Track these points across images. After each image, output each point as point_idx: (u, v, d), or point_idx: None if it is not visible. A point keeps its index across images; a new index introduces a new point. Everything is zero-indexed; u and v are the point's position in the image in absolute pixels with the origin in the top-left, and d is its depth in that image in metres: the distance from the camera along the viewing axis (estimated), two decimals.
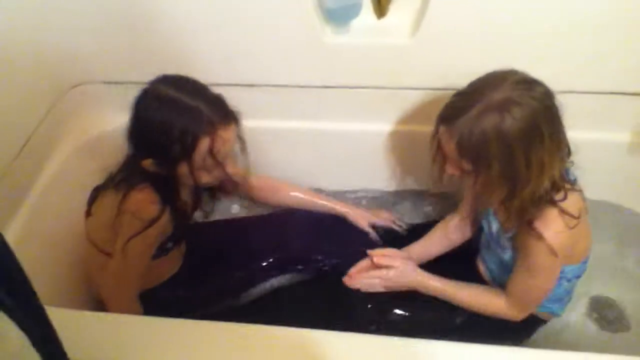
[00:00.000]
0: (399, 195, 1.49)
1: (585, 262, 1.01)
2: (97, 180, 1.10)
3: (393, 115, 1.29)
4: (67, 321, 0.82)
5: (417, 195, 1.48)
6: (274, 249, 1.27)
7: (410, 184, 1.47)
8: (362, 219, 1.28)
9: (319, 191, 1.42)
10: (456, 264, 1.17)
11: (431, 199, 1.46)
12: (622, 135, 1.26)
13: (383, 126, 1.32)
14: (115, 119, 1.32)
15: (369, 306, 1.12)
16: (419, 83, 1.19)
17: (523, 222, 0.88)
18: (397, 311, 1.11)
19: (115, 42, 1.20)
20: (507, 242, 0.98)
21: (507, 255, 1.00)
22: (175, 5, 1.11)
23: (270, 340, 0.82)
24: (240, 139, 1.01)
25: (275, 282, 1.28)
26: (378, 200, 1.50)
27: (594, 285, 1.26)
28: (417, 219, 1.43)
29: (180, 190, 1.03)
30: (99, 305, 1.17)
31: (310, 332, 0.81)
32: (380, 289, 1.11)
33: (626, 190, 1.36)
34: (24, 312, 0.42)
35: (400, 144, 1.34)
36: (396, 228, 1.30)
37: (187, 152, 0.92)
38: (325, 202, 1.30)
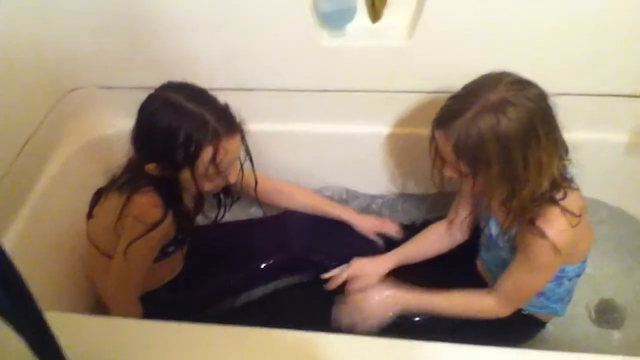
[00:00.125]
0: (399, 197, 1.50)
1: (584, 262, 1.01)
2: (97, 182, 1.10)
3: (390, 117, 1.30)
4: (67, 325, 0.83)
5: (417, 197, 1.48)
6: (274, 250, 1.27)
7: (410, 186, 1.47)
8: (367, 228, 1.28)
9: (318, 193, 1.42)
10: (455, 264, 1.17)
11: (432, 199, 1.46)
12: (619, 136, 1.26)
13: (381, 129, 1.32)
14: (114, 123, 1.33)
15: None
16: (416, 86, 1.20)
17: (524, 221, 0.88)
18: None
19: (114, 46, 1.20)
20: (506, 242, 0.98)
21: (508, 255, 1.00)
22: (174, 10, 1.11)
23: (270, 342, 0.82)
24: (247, 150, 1.02)
25: (275, 283, 1.29)
26: (378, 203, 1.50)
27: (593, 286, 1.27)
28: (418, 220, 1.43)
29: (183, 195, 1.04)
30: (100, 306, 1.17)
31: (310, 335, 0.81)
32: (365, 326, 1.08)
33: (625, 191, 1.37)
34: (22, 317, 0.42)
35: (399, 147, 1.35)
36: (396, 237, 1.29)
37: (190, 159, 0.92)
38: (330, 209, 1.30)
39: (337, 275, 1.15)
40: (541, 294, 1.03)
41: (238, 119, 0.98)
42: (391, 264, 1.15)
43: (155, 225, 0.97)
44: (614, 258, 1.32)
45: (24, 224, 1.11)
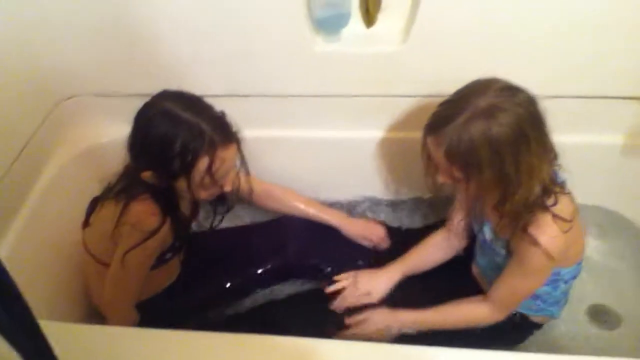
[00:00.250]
0: (394, 201, 1.50)
1: (579, 263, 1.02)
2: (93, 190, 1.10)
3: (386, 122, 1.30)
4: (62, 335, 0.82)
5: (413, 201, 1.48)
6: (270, 255, 1.27)
7: (405, 190, 1.47)
8: (354, 233, 1.28)
9: (314, 198, 1.42)
10: (450, 269, 1.17)
11: (427, 204, 1.47)
12: (615, 137, 1.27)
13: (376, 133, 1.32)
14: (109, 131, 1.32)
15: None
16: (411, 90, 1.20)
17: (517, 229, 0.89)
18: None
19: (109, 54, 1.20)
20: (501, 247, 0.99)
21: (502, 260, 1.01)
22: (168, 18, 1.11)
23: (269, 349, 0.81)
24: (242, 160, 1.02)
25: (272, 289, 1.29)
26: (373, 207, 1.50)
27: (588, 288, 1.27)
28: (413, 224, 1.44)
29: (179, 202, 1.04)
30: (96, 315, 1.17)
31: (308, 341, 0.81)
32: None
33: (620, 194, 1.37)
34: (17, 327, 0.41)
35: (394, 151, 1.35)
36: (380, 249, 1.29)
37: (186, 169, 0.92)
38: (320, 214, 1.30)
39: (341, 291, 1.15)
40: (537, 297, 1.03)
41: (234, 128, 0.98)
42: (397, 277, 1.16)
43: (152, 233, 0.97)
44: (609, 261, 1.33)
45: (20, 232, 1.10)
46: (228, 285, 1.23)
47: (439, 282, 1.16)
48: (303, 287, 1.29)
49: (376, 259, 1.27)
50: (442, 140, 0.85)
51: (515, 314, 1.06)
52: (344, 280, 1.18)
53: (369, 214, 1.48)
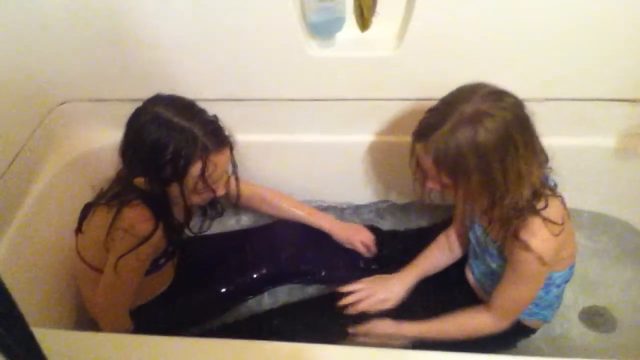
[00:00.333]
0: (388, 205, 1.50)
1: (572, 267, 1.02)
2: (86, 197, 1.09)
3: (379, 126, 1.30)
4: (56, 342, 0.81)
5: (406, 205, 1.49)
6: (265, 260, 1.27)
7: (399, 194, 1.48)
8: (342, 238, 1.27)
9: (308, 202, 1.42)
10: (445, 271, 1.17)
11: (419, 208, 1.46)
12: (608, 140, 1.27)
13: (370, 138, 1.33)
14: (102, 136, 1.32)
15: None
16: (405, 94, 1.20)
17: (509, 233, 0.89)
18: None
19: (101, 60, 1.20)
20: (496, 251, 0.99)
21: (495, 264, 1.01)
22: (162, 22, 1.11)
23: (267, 355, 0.81)
24: (233, 164, 1.02)
25: (269, 293, 1.29)
26: (366, 211, 1.50)
27: (583, 292, 1.27)
28: (405, 227, 1.44)
29: (172, 208, 1.03)
30: (90, 322, 1.16)
31: (306, 346, 0.80)
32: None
33: (614, 197, 1.38)
34: (10, 335, 0.41)
35: (387, 155, 1.35)
36: (366, 255, 1.28)
37: (179, 174, 0.92)
38: (311, 217, 1.30)
39: (354, 298, 1.14)
40: None
41: (227, 132, 0.97)
42: (410, 283, 1.14)
43: (146, 239, 0.97)
44: (604, 264, 1.33)
45: (13, 239, 1.10)
46: (223, 290, 1.23)
47: (434, 286, 1.16)
48: (304, 294, 1.29)
49: (376, 261, 1.27)
50: (430, 147, 0.85)
51: None
52: (360, 290, 1.14)
53: (363, 218, 1.48)
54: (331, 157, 1.39)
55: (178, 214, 1.06)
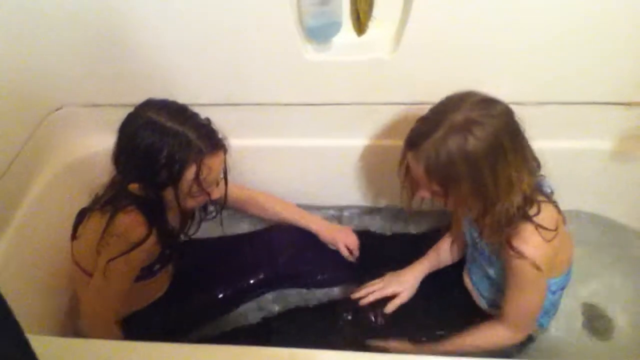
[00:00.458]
0: (383, 210, 1.50)
1: (568, 274, 1.02)
2: (82, 202, 1.09)
3: (376, 130, 1.30)
4: (51, 349, 0.81)
5: (402, 209, 1.48)
6: (262, 265, 1.27)
7: (395, 198, 1.47)
8: (330, 240, 1.27)
9: (304, 207, 1.42)
10: (445, 273, 1.17)
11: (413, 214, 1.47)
12: (604, 143, 1.27)
13: (366, 142, 1.33)
14: (97, 142, 1.32)
15: (349, 317, 1.14)
16: (401, 98, 1.20)
17: (502, 241, 0.89)
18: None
19: (96, 65, 1.19)
20: (491, 255, 0.99)
21: (492, 270, 1.01)
22: (157, 27, 1.11)
23: None
24: (225, 167, 1.02)
25: (265, 297, 1.29)
26: (361, 215, 1.50)
27: (581, 295, 1.27)
28: (406, 231, 1.44)
29: (167, 213, 1.02)
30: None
31: (306, 352, 0.80)
32: None
33: (610, 200, 1.38)
34: (5, 342, 0.41)
35: (383, 159, 1.35)
36: (350, 259, 1.28)
37: (174, 178, 0.92)
38: (300, 219, 1.29)
39: (366, 290, 1.15)
40: None
41: (220, 135, 0.97)
42: (421, 276, 1.16)
43: (138, 244, 0.96)
44: (601, 268, 1.33)
45: (9, 245, 1.09)
46: (220, 295, 1.22)
47: (434, 288, 1.16)
48: (303, 298, 1.29)
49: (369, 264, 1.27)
50: (421, 156, 0.86)
51: None
52: (375, 291, 1.15)
53: (360, 222, 1.48)
54: (328, 161, 1.39)
55: (173, 219, 1.05)
